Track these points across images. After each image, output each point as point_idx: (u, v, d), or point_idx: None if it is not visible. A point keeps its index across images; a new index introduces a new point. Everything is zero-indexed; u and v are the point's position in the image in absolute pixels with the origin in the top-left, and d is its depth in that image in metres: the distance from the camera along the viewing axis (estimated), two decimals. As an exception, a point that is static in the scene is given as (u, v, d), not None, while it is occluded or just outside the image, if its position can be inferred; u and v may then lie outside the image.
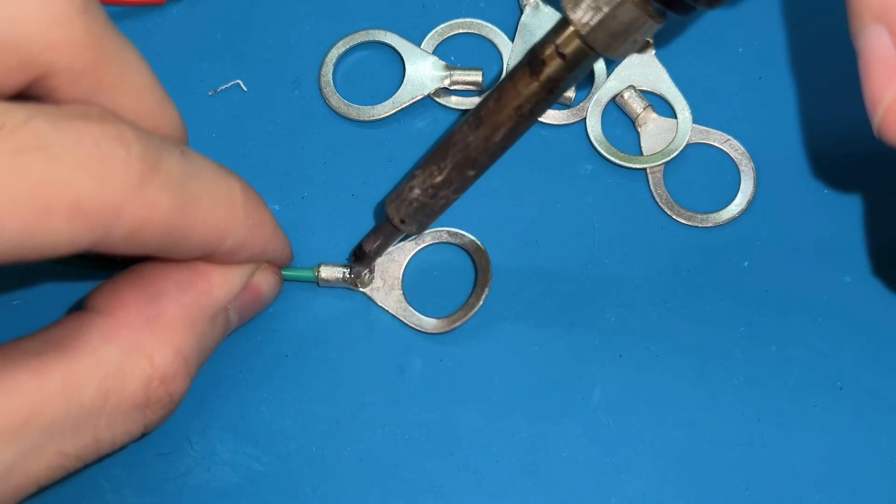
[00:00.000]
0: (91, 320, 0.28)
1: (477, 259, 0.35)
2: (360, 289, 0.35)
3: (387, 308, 0.35)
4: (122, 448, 0.29)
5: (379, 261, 0.35)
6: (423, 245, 0.36)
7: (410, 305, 0.35)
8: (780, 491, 0.34)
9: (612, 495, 0.34)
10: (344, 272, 0.35)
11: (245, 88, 0.38)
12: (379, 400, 0.35)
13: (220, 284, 0.30)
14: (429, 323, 0.35)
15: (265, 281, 0.32)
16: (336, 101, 0.37)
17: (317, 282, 0.35)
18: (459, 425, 0.34)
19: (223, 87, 0.38)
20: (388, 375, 0.35)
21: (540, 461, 0.34)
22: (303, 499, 0.34)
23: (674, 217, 0.36)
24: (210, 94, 0.38)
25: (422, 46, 0.38)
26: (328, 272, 0.35)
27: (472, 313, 0.34)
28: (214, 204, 0.27)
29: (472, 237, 0.35)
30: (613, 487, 0.34)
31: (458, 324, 0.35)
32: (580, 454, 0.34)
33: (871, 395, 0.34)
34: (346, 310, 0.35)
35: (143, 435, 0.30)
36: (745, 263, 0.36)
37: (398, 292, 0.35)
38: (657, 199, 0.36)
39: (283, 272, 0.34)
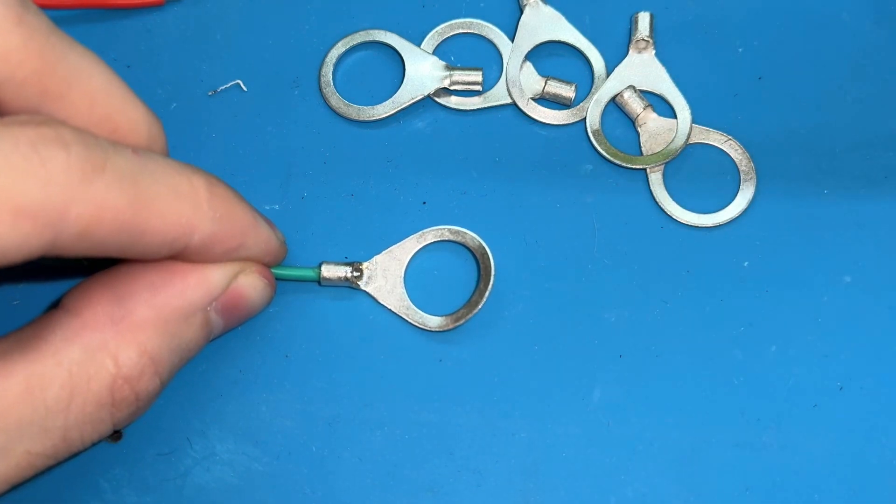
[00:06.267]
0: (58, 320, 0.28)
1: (479, 257, 0.35)
2: (362, 288, 0.35)
3: (389, 307, 0.35)
4: (95, 444, 0.29)
5: (379, 259, 0.35)
6: (425, 243, 0.35)
7: (413, 304, 0.35)
8: (780, 491, 0.34)
9: (612, 495, 0.34)
10: (346, 271, 0.35)
11: (245, 88, 0.38)
12: (379, 400, 0.35)
13: (196, 285, 0.30)
14: (432, 321, 0.35)
15: (251, 283, 0.32)
16: (336, 101, 0.37)
17: (318, 281, 0.35)
18: (459, 425, 0.34)
19: (223, 87, 0.38)
20: (388, 375, 0.35)
21: (540, 461, 0.34)
22: (303, 499, 0.34)
23: (674, 217, 0.36)
24: (210, 94, 0.38)
25: (422, 46, 0.38)
26: (330, 271, 0.34)
27: (475, 311, 0.34)
28: (173, 199, 0.27)
29: (475, 235, 0.35)
30: (613, 487, 0.34)
31: (461, 321, 0.34)
32: (580, 454, 0.34)
33: (871, 395, 0.34)
34: (346, 310, 0.35)
35: (117, 432, 0.29)
36: (745, 263, 0.36)
37: (400, 291, 0.35)
38: (657, 199, 0.36)
39: (283, 272, 0.34)
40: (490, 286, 0.34)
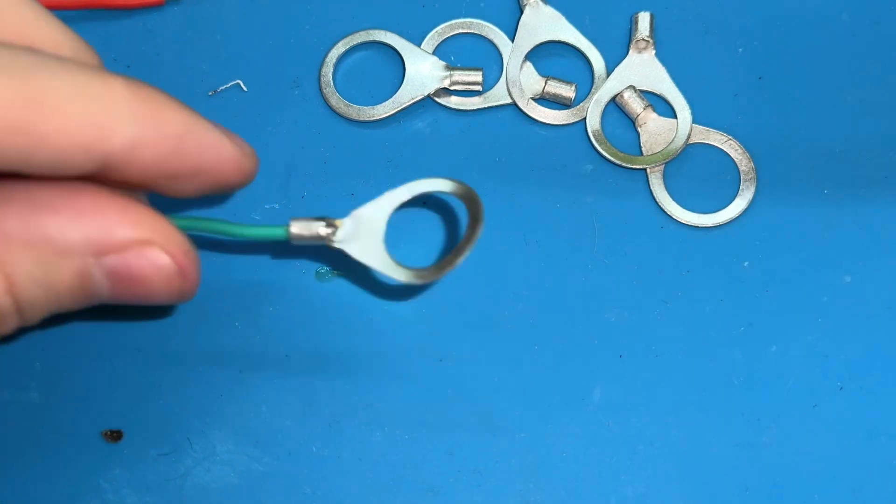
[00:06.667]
0: None
1: (468, 204, 0.32)
2: (336, 246, 0.31)
3: (368, 264, 0.32)
4: None
5: (356, 213, 0.32)
6: (404, 199, 0.32)
7: (393, 258, 0.32)
8: (780, 491, 0.34)
9: (612, 495, 0.34)
10: (320, 226, 0.31)
11: (245, 88, 0.38)
12: (379, 400, 0.35)
13: (80, 225, 0.25)
14: (416, 273, 0.32)
15: (154, 261, 0.27)
16: (336, 101, 0.37)
17: (288, 239, 0.31)
18: (459, 425, 0.34)
19: (223, 87, 0.38)
20: (388, 375, 0.35)
21: (540, 461, 0.34)
22: (303, 499, 0.34)
23: (674, 217, 0.36)
24: (210, 94, 0.38)
25: (422, 46, 0.38)
26: (301, 227, 0.31)
27: (461, 259, 0.31)
28: (79, 97, 0.24)
29: (460, 182, 0.32)
30: (613, 487, 0.34)
31: (447, 269, 0.31)
32: (580, 454, 0.34)
33: (871, 395, 0.34)
34: (347, 310, 0.35)
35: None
36: (745, 263, 0.36)
37: (381, 247, 0.31)
38: (657, 199, 0.36)
39: (249, 231, 0.31)
40: (478, 234, 0.31)
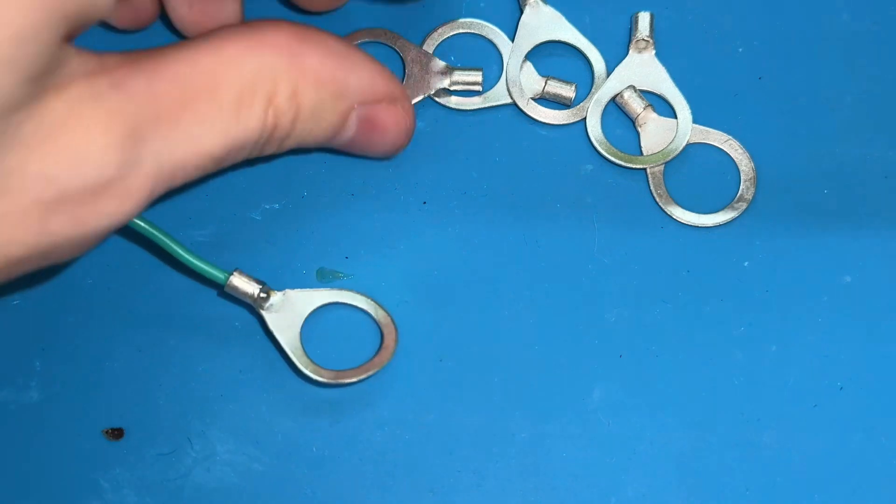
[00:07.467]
0: (241, 32, 0.28)
1: (385, 334, 0.34)
2: (263, 312, 0.33)
3: (280, 340, 0.34)
4: (248, 153, 0.29)
5: (291, 293, 0.34)
6: (336, 300, 0.35)
7: (303, 346, 0.34)
8: (780, 491, 0.34)
9: (612, 495, 0.34)
10: (255, 289, 0.33)
11: (245, 88, 0.38)
12: (379, 400, 0.35)
13: (362, 76, 0.31)
14: (316, 371, 0.33)
15: (396, 113, 0.32)
16: (336, 101, 0.37)
17: (223, 285, 0.33)
18: (459, 425, 0.34)
19: (223, 87, 0.38)
20: (388, 375, 0.35)
21: (540, 461, 0.34)
22: (303, 499, 0.34)
23: (674, 217, 0.36)
24: (210, 94, 0.38)
25: (422, 46, 0.38)
26: (239, 281, 0.33)
27: (362, 376, 0.33)
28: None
29: (386, 312, 0.34)
30: (613, 487, 0.34)
31: (344, 381, 0.33)
32: (580, 454, 0.34)
33: (871, 395, 0.34)
34: (346, 310, 0.35)
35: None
36: (745, 263, 0.36)
37: (296, 330, 0.34)
38: (657, 199, 0.36)
39: (196, 263, 0.32)
40: (383, 365, 0.34)
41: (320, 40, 0.29)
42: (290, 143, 0.30)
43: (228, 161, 0.28)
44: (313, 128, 0.30)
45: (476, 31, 0.38)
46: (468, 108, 0.37)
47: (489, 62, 0.38)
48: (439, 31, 0.38)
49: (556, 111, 0.37)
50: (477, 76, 0.37)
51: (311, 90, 0.29)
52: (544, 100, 0.37)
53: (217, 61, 0.27)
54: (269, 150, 0.30)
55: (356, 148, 0.33)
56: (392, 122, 0.32)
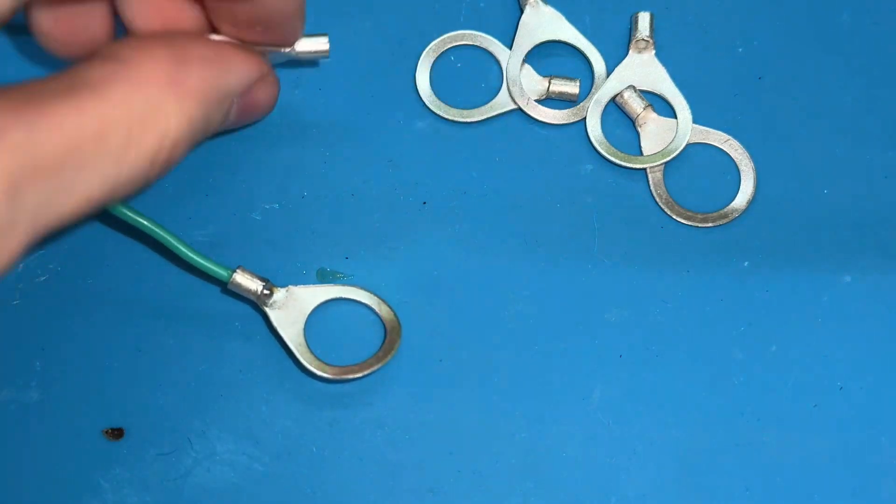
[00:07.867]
0: (113, 69, 0.27)
1: (389, 330, 0.35)
2: (266, 308, 0.34)
3: (283, 336, 0.34)
4: (133, 192, 0.28)
5: (294, 289, 0.34)
6: (340, 295, 0.35)
7: (307, 342, 0.34)
8: (780, 491, 0.34)
9: (612, 495, 0.34)
10: (259, 286, 0.33)
11: (245, 88, 0.38)
12: (379, 400, 0.35)
13: (239, 71, 0.31)
14: (319, 367, 0.34)
15: (266, 88, 0.33)
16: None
17: (226, 282, 0.33)
18: (459, 425, 0.34)
19: (223, 87, 0.38)
20: (388, 375, 0.35)
21: (540, 461, 0.34)
22: (303, 499, 0.34)
23: (674, 217, 0.36)
24: (210, 94, 0.38)
25: (422, 56, 0.37)
26: (242, 278, 0.33)
27: (365, 372, 0.34)
28: None
29: (390, 308, 0.35)
30: (613, 487, 0.34)
31: (348, 377, 0.34)
32: (580, 454, 0.34)
33: (871, 395, 0.34)
34: (346, 310, 0.35)
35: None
36: (745, 263, 0.36)
37: (300, 326, 0.34)
38: (657, 199, 0.36)
39: (198, 259, 0.33)
40: (388, 359, 0.34)
41: (194, 54, 0.29)
42: (180, 157, 0.30)
43: (115, 201, 0.28)
44: (204, 135, 0.30)
45: (473, 43, 0.38)
46: (472, 119, 0.37)
47: (488, 73, 0.38)
48: (434, 45, 0.37)
49: (556, 111, 0.37)
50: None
51: (198, 109, 0.29)
52: (549, 99, 0.37)
53: (104, 106, 0.26)
54: (158, 174, 0.29)
55: (232, 126, 0.34)
56: (265, 97, 0.33)
